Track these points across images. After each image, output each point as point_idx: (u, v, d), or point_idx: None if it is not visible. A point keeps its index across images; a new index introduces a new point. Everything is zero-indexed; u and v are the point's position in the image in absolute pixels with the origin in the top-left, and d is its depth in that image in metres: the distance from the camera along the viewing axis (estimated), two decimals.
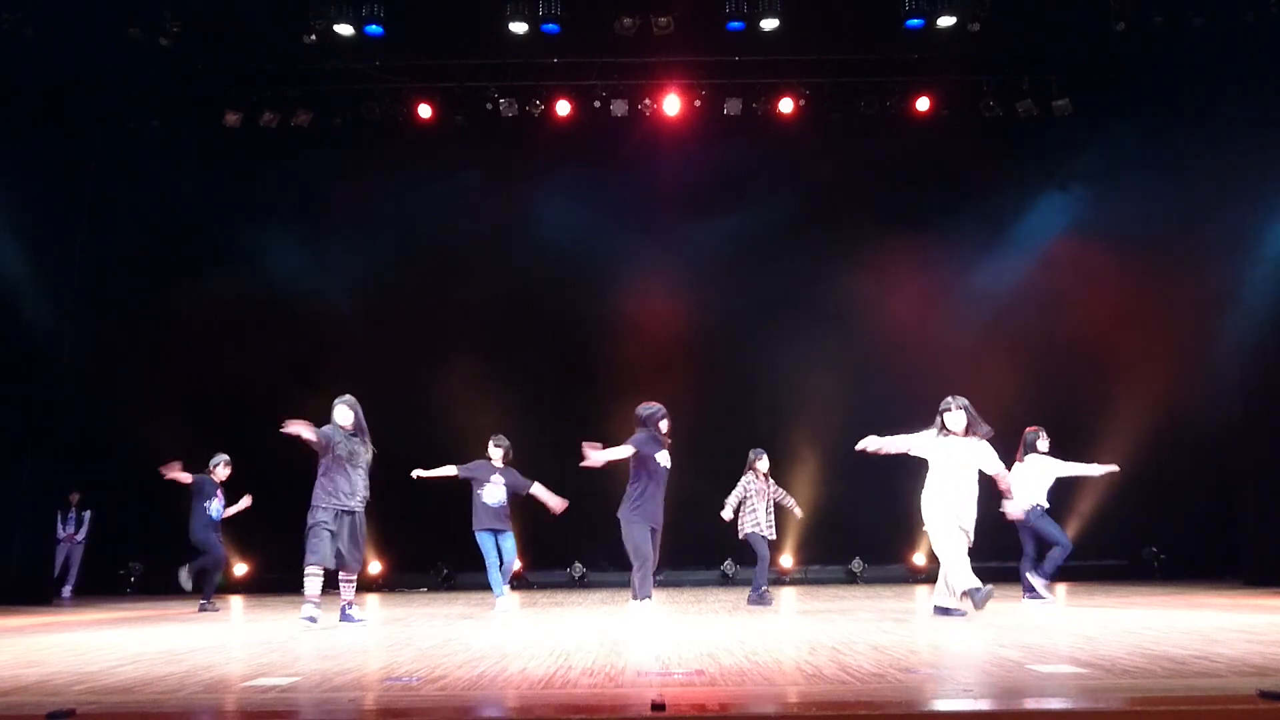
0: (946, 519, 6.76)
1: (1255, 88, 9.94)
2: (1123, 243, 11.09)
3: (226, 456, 9.45)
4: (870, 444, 6.94)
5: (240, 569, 12.25)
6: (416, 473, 8.55)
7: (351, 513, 7.03)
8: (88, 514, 11.86)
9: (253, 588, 11.99)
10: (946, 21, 10.00)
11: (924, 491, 6.98)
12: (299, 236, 12.25)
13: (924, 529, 7.01)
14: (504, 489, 8.68)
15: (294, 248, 12.23)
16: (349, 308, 12.20)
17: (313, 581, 6.80)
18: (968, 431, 6.85)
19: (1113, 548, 11.44)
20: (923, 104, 11.68)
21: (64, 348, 10.87)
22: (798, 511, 9.09)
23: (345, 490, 6.99)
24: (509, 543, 8.71)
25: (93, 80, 10.82)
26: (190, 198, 11.78)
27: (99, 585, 11.97)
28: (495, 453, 8.81)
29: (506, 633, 6.14)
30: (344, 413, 7.15)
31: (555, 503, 8.61)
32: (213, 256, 12.13)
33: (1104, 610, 7.18)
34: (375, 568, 12.23)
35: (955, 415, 6.88)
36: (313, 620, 6.70)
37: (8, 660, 5.03)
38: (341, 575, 7.07)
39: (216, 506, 9.27)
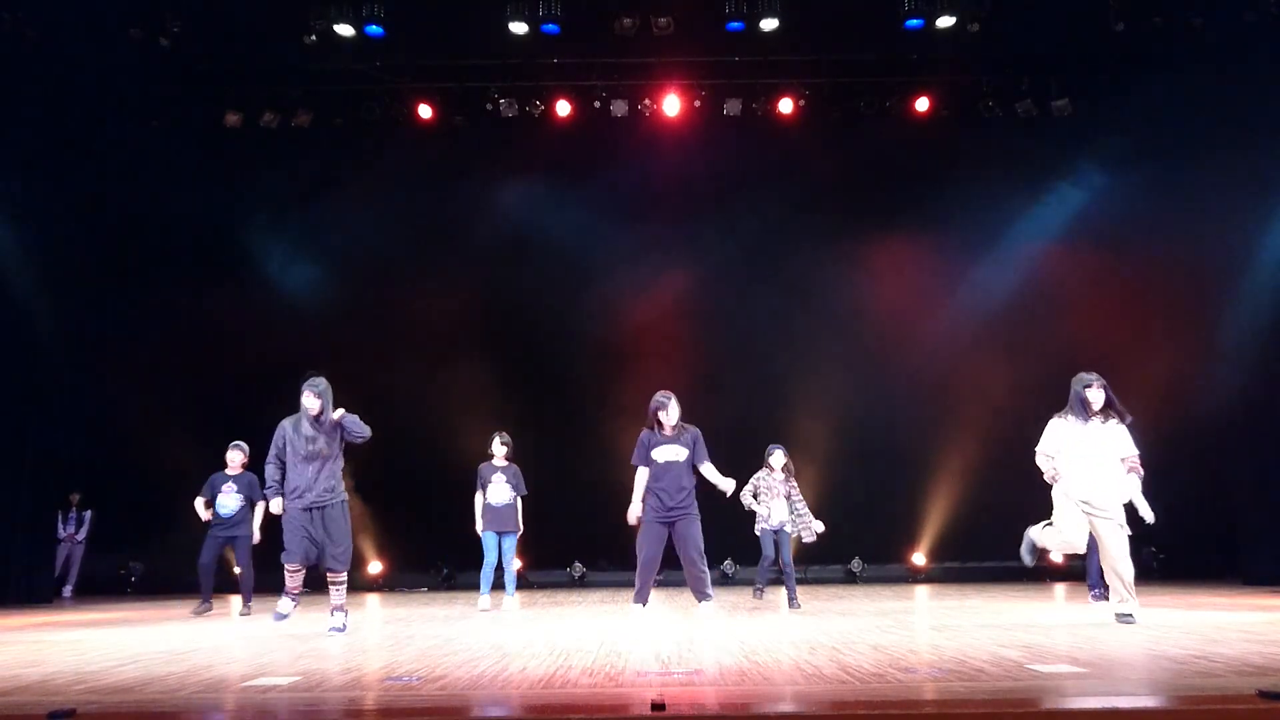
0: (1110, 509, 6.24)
1: (1255, 88, 9.94)
2: (1122, 243, 11.09)
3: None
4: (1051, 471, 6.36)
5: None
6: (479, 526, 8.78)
7: (309, 509, 6.31)
8: (88, 514, 11.86)
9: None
10: (946, 22, 10.00)
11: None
12: (299, 236, 12.27)
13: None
14: (508, 486, 8.71)
15: (293, 247, 12.25)
16: (348, 306, 12.21)
17: (288, 577, 6.46)
18: (1106, 411, 6.30)
19: None
20: (922, 104, 11.68)
21: (64, 347, 10.87)
22: (806, 537, 8.21)
23: (295, 487, 6.38)
24: (510, 543, 8.73)
25: (93, 80, 10.81)
26: (190, 197, 11.78)
27: (99, 585, 11.97)
28: (499, 450, 8.82)
29: (506, 633, 6.14)
30: (309, 400, 6.42)
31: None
32: (212, 256, 12.13)
33: (1104, 610, 7.17)
34: (375, 568, 12.23)
35: (1097, 392, 6.31)
36: (281, 616, 6.57)
37: (8, 660, 5.02)
38: (328, 576, 6.51)
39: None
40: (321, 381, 6.47)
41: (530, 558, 12.24)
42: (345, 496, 6.58)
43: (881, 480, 11.69)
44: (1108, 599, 7.80)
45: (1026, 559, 6.53)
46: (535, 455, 10.53)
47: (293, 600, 6.59)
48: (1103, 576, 7.51)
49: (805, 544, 8.38)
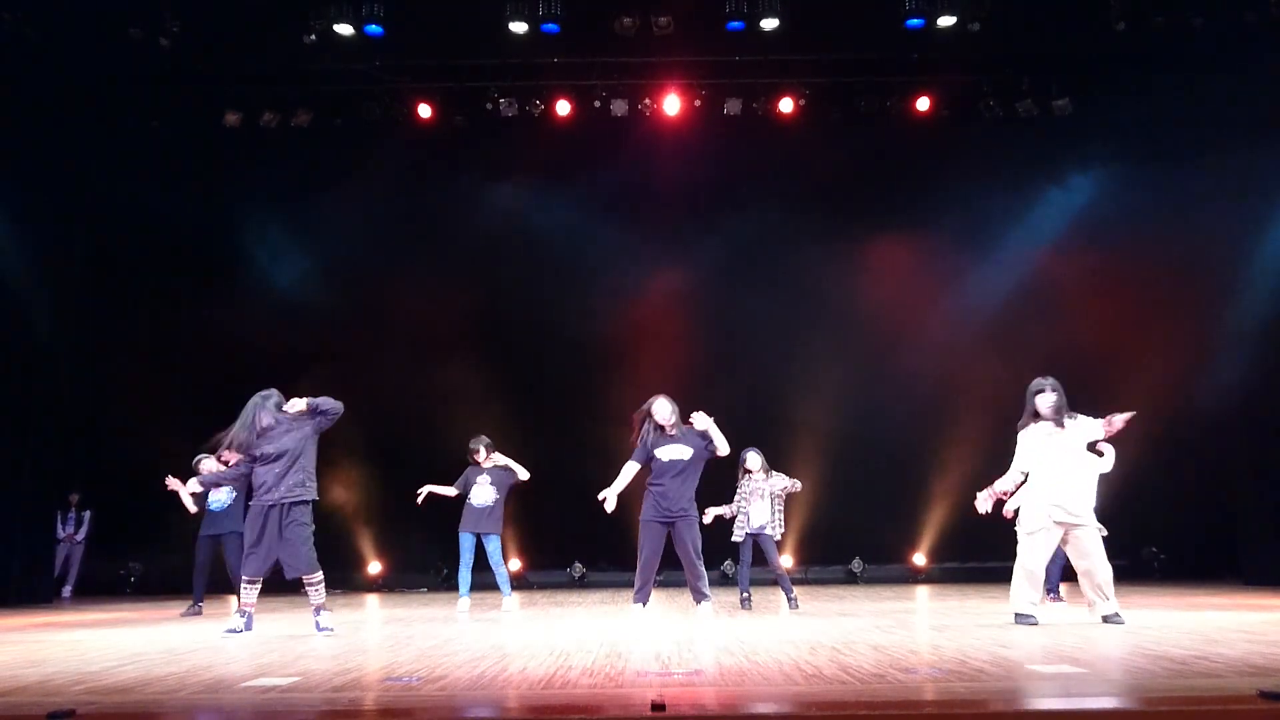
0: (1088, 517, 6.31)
1: (1255, 88, 9.94)
2: (1122, 243, 11.09)
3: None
4: (988, 501, 6.38)
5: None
6: (423, 492, 8.72)
7: (273, 508, 6.14)
8: (88, 514, 11.86)
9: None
10: (946, 21, 10.00)
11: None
12: (298, 236, 12.27)
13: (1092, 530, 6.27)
14: (492, 488, 8.70)
15: (293, 247, 12.25)
16: (347, 307, 12.22)
17: (243, 589, 6.29)
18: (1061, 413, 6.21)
19: (1113, 548, 11.38)
20: (923, 104, 11.67)
21: (64, 347, 10.88)
22: (796, 485, 8.35)
23: (262, 483, 6.21)
24: (492, 545, 8.69)
25: (93, 80, 10.81)
26: (190, 198, 11.78)
27: (99, 585, 11.97)
28: (481, 454, 8.83)
29: (506, 633, 6.14)
30: (263, 414, 6.39)
31: (522, 473, 8.79)
32: (212, 257, 12.14)
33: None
34: (375, 568, 12.24)
35: (1048, 397, 6.21)
36: (232, 631, 6.17)
37: (8, 660, 5.02)
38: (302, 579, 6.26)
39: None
40: (272, 392, 6.43)
41: (530, 558, 12.25)
42: (313, 497, 6.25)
43: (881, 480, 11.68)
44: (1062, 599, 7.92)
45: (1029, 617, 6.14)
46: (535, 455, 10.51)
47: (242, 616, 6.24)
48: (1060, 580, 7.66)
49: (776, 540, 8.29)
